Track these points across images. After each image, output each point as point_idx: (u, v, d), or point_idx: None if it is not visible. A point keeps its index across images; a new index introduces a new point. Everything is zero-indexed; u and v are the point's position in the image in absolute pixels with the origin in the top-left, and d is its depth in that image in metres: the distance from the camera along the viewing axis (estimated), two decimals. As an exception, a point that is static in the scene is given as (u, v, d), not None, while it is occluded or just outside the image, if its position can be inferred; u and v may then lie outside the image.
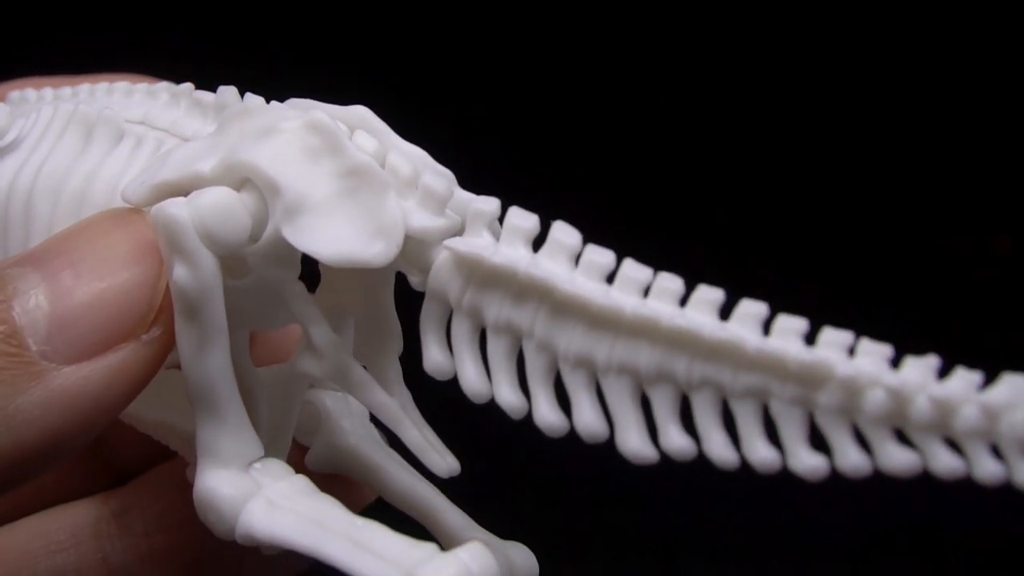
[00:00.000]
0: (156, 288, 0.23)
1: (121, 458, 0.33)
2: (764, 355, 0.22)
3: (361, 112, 0.25)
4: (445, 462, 0.25)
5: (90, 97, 0.30)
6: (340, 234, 0.23)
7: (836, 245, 0.64)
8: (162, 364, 0.24)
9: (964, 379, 0.21)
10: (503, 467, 0.50)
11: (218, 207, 0.23)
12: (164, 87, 0.29)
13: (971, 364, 0.21)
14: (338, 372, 0.25)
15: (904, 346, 0.23)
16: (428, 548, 0.23)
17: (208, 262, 0.23)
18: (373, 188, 0.24)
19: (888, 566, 0.62)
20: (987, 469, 0.21)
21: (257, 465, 0.24)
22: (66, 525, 0.31)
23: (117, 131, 0.28)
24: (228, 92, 0.27)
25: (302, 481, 0.24)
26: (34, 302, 0.23)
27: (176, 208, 0.23)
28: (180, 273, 0.23)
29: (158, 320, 0.23)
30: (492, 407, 0.25)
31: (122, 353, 0.23)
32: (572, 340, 0.23)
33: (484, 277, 0.24)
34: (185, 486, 0.30)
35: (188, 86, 0.28)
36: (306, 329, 0.25)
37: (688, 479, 0.64)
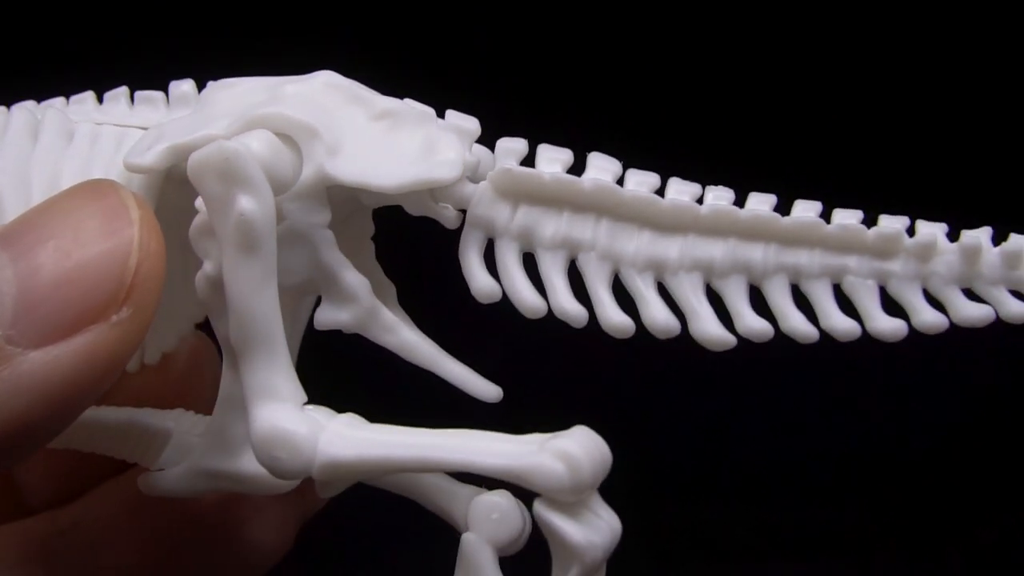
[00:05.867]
0: (126, 265, 0.22)
1: (33, 495, 0.33)
2: (842, 231, 0.24)
3: (327, 75, 0.26)
4: (489, 387, 0.26)
5: (35, 107, 0.29)
6: (396, 163, 0.24)
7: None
8: (136, 348, 0.23)
9: (1020, 240, 0.23)
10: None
11: (269, 144, 0.24)
12: (121, 91, 0.29)
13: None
14: (368, 315, 0.25)
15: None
16: (532, 436, 0.23)
17: (270, 193, 0.23)
18: (413, 121, 0.25)
19: (888, 566, 0.62)
20: None
21: (309, 407, 0.24)
22: (12, 543, 0.31)
23: (65, 129, 0.27)
24: (183, 84, 0.28)
25: (355, 417, 0.25)
26: (2, 285, 0.22)
27: (235, 143, 0.23)
28: (247, 204, 0.23)
29: (129, 299, 0.22)
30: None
31: (91, 335, 0.22)
32: (640, 245, 0.24)
33: (542, 196, 0.24)
34: (132, 501, 0.31)
35: (124, 89, 0.28)
36: (337, 275, 0.25)
37: (688, 479, 0.63)
